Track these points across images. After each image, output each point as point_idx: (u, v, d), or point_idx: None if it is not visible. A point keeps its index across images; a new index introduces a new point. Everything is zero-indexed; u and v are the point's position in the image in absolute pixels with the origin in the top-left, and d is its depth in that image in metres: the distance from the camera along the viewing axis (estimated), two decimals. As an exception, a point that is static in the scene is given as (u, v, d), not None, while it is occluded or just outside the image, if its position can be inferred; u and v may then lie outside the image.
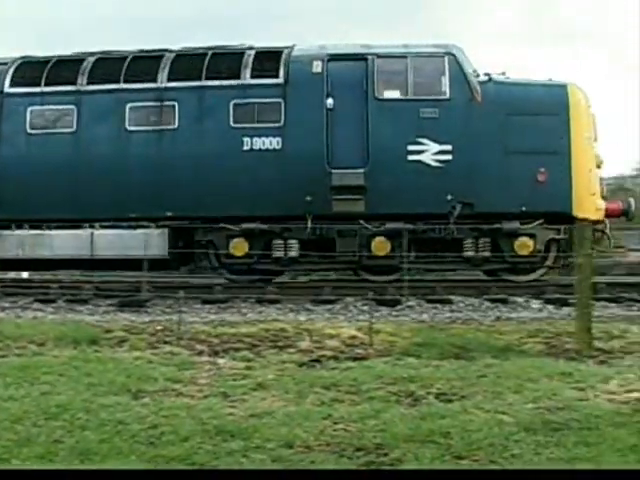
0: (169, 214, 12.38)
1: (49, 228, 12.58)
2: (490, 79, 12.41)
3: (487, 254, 12.16)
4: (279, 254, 12.34)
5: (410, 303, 10.87)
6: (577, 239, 7.48)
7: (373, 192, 12.07)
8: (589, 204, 12.03)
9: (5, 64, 13.18)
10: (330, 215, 12.18)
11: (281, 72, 12.41)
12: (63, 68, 12.91)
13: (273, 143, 12.24)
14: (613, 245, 12.89)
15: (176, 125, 12.45)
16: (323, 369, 5.93)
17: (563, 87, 12.37)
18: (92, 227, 12.51)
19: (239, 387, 5.21)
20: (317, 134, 12.18)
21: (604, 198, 12.46)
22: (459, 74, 12.22)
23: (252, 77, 12.42)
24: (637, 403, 4.49)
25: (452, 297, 11.18)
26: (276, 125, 12.27)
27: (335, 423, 4.26)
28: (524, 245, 12.04)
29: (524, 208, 11.98)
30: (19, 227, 12.68)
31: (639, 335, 7.38)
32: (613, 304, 10.60)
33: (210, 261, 12.72)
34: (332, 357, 6.48)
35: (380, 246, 12.14)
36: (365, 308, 10.03)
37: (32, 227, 12.64)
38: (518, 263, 12.18)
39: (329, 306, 10.86)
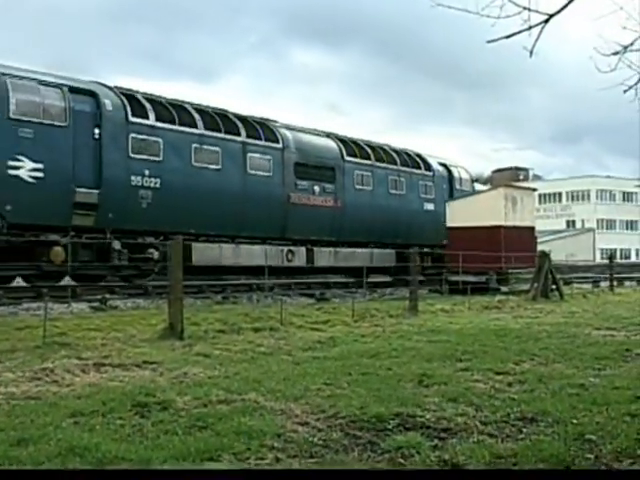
0: (399, 241, 22.30)
1: (350, 247, 20.75)
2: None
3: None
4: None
5: None
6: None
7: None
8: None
9: (327, 136, 20.27)
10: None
11: (432, 170, 23.95)
12: (363, 149, 21.03)
13: (430, 206, 23.76)
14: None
15: (404, 192, 22.48)
16: None
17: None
18: (370, 247, 21.33)
19: None
20: (442, 204, 24.30)
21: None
22: (469, 180, 26.28)
23: (424, 169, 23.56)
24: None
25: None
26: (431, 197, 23.80)
27: None
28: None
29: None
30: (333, 246, 20.35)
31: None
32: None
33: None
34: None
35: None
36: None
37: (348, 246, 20.56)
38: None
39: None
